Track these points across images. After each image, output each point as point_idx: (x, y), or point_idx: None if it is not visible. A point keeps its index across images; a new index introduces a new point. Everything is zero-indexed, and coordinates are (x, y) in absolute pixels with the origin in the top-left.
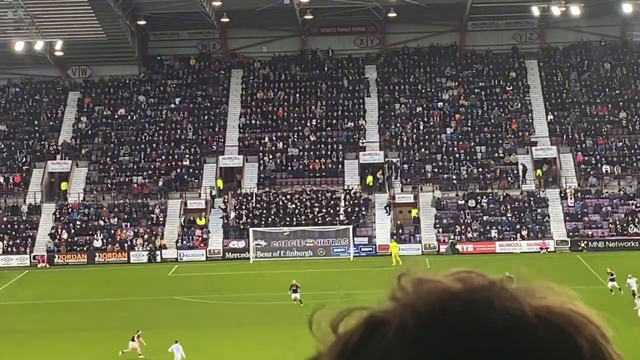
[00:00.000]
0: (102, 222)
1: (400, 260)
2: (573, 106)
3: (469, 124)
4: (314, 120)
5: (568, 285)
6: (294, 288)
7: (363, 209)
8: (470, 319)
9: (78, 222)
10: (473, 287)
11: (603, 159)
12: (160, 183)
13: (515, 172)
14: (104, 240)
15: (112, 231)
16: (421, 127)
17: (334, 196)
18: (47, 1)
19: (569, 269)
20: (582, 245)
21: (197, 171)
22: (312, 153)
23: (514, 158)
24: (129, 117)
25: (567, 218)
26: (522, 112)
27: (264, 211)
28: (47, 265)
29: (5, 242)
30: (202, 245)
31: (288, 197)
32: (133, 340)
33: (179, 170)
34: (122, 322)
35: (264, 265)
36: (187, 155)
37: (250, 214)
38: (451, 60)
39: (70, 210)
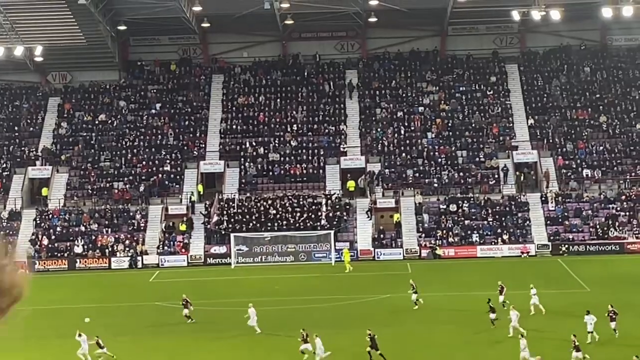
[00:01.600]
0: (82, 228)
1: (351, 267)
2: (553, 110)
3: (450, 129)
4: (295, 126)
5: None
6: (184, 303)
7: (344, 214)
8: None
9: (59, 228)
10: None
11: (583, 163)
12: (141, 188)
13: (497, 176)
14: (85, 246)
15: (93, 237)
16: (402, 132)
17: (315, 201)
18: (27, 6)
19: (550, 273)
20: (563, 249)
21: (178, 177)
22: (293, 158)
23: (495, 162)
24: (110, 123)
25: (548, 222)
26: (503, 117)
27: (246, 216)
28: (27, 272)
29: None
30: (183, 250)
31: (269, 202)
32: (100, 347)
33: (159, 175)
34: (104, 328)
35: (246, 271)
36: (168, 161)
37: (232, 219)
38: (432, 64)
39: (50, 216)
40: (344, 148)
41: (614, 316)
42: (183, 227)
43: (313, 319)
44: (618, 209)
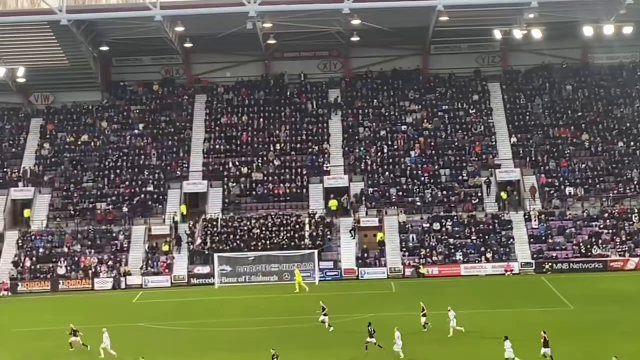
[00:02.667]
0: (65, 249)
1: (305, 287)
2: (536, 128)
3: (433, 147)
4: (278, 145)
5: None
6: (73, 332)
7: (328, 233)
8: None
9: (41, 250)
10: None
11: (566, 181)
12: (124, 209)
13: (480, 194)
14: (68, 267)
15: (76, 258)
16: (385, 151)
17: (298, 220)
18: (9, 28)
19: (533, 291)
20: (547, 267)
21: (161, 197)
22: (276, 177)
23: (477, 181)
24: (92, 143)
25: (532, 240)
26: (486, 135)
27: (229, 236)
28: (10, 294)
29: None
30: (166, 271)
31: (253, 221)
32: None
33: (142, 196)
34: (90, 349)
35: (230, 291)
36: (151, 181)
37: (215, 239)
38: (414, 83)
39: (33, 237)
40: (327, 167)
41: (546, 343)
42: (166, 247)
43: (297, 338)
44: (601, 226)
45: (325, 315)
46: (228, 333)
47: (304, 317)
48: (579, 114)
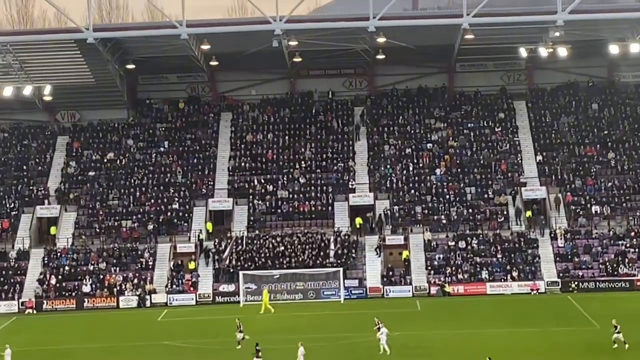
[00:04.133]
0: (91, 267)
1: (270, 309)
2: (562, 147)
3: (459, 165)
4: (303, 163)
5: (560, 327)
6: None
7: (353, 251)
8: None
9: (67, 267)
10: None
11: (592, 200)
12: (150, 227)
13: (505, 212)
14: (93, 285)
15: (101, 276)
16: (411, 169)
17: (324, 238)
18: (36, 46)
19: (560, 310)
20: (573, 286)
21: (186, 214)
22: (301, 195)
23: (503, 199)
24: (118, 161)
25: (558, 259)
26: (511, 153)
27: (254, 254)
28: (35, 312)
29: None
30: (191, 289)
31: (278, 239)
32: None
33: (168, 213)
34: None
35: (255, 309)
36: (176, 199)
37: (241, 257)
38: (440, 101)
39: (59, 255)
40: (352, 185)
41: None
42: (192, 265)
43: (321, 357)
44: (627, 245)
45: (241, 332)
46: (253, 352)
47: (327, 336)
48: (605, 132)
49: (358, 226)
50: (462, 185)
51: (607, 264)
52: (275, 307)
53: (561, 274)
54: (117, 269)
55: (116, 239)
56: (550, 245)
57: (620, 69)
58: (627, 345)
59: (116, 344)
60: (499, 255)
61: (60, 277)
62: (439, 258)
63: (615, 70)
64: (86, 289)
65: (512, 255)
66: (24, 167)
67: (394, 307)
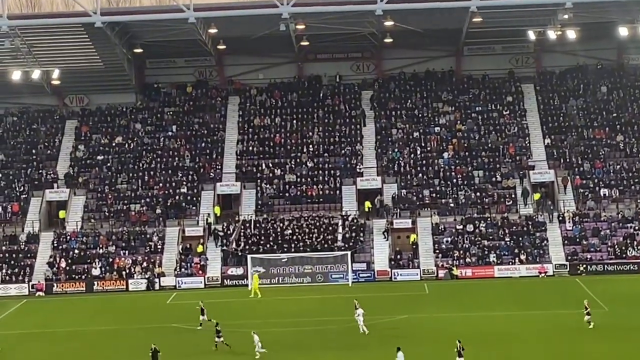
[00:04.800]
0: (100, 250)
1: (259, 294)
2: (570, 130)
3: (466, 149)
4: (311, 147)
5: (568, 309)
6: None
7: (361, 234)
8: None
9: (76, 251)
10: None
11: (601, 182)
12: (158, 210)
13: (513, 196)
14: (102, 269)
15: (111, 259)
16: (418, 152)
17: (331, 222)
18: (44, 30)
19: (568, 293)
20: (581, 269)
21: (194, 198)
22: (309, 179)
23: (511, 182)
24: (126, 145)
25: (566, 242)
26: (519, 136)
27: (262, 238)
28: (45, 294)
29: (3, 271)
30: (200, 272)
31: (286, 223)
32: None
33: (176, 197)
34: (121, 350)
35: (263, 292)
36: (184, 183)
37: (249, 241)
38: (448, 85)
39: (68, 238)
40: (360, 169)
41: (461, 353)
42: (200, 249)
43: (329, 339)
44: (636, 228)
45: (203, 315)
46: (261, 334)
47: (335, 319)
48: (614, 115)
49: (367, 210)
50: (470, 168)
51: (616, 246)
52: (283, 290)
53: (569, 257)
54: (126, 252)
55: (125, 223)
56: (559, 228)
57: (629, 51)
58: (591, 325)
59: (125, 326)
60: (507, 239)
61: (69, 260)
62: (447, 241)
63: (624, 53)
64: (96, 272)
65: (520, 238)
66: (33, 151)
67: (402, 290)
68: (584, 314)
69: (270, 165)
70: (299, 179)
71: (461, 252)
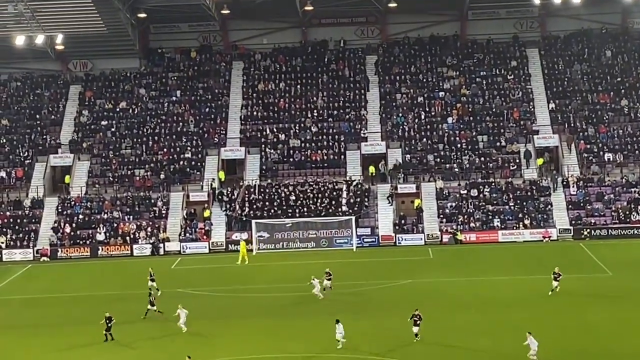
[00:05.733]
0: (104, 216)
1: (246, 260)
2: (574, 94)
3: (471, 114)
4: (315, 112)
5: (572, 274)
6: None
7: (365, 199)
8: None
9: (81, 216)
10: None
11: (605, 147)
12: (162, 176)
13: (517, 160)
14: (107, 234)
15: (115, 224)
16: (423, 117)
17: (336, 187)
18: None
19: (572, 258)
20: (585, 233)
21: (199, 163)
22: (313, 144)
23: (515, 147)
24: (131, 110)
25: (570, 206)
26: (524, 101)
27: (267, 203)
28: (50, 260)
29: (8, 236)
30: (204, 237)
31: (290, 188)
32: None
33: (181, 162)
34: (126, 315)
35: (267, 257)
36: (188, 148)
37: (253, 206)
38: (452, 49)
39: (72, 203)
40: (364, 134)
41: (418, 321)
42: (207, 213)
43: (334, 304)
44: None
45: (152, 280)
46: (265, 299)
47: (341, 284)
48: (618, 79)
49: (371, 174)
50: (474, 133)
51: (620, 211)
52: (288, 255)
53: (573, 222)
54: (131, 217)
55: (129, 188)
56: (563, 193)
57: (633, 15)
58: (551, 293)
59: (130, 291)
60: (511, 203)
61: (74, 225)
62: (451, 206)
63: (628, 17)
64: (100, 237)
65: (524, 203)
66: (37, 116)
67: (407, 255)
68: (552, 279)
69: (275, 130)
70: (303, 144)
71: (465, 217)
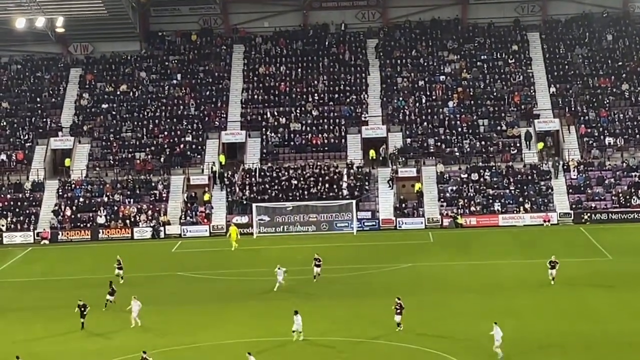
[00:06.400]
0: (105, 199)
1: (236, 245)
2: (575, 78)
3: (471, 97)
4: (316, 95)
5: (572, 258)
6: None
7: (366, 183)
8: None
9: (81, 199)
10: None
11: (606, 131)
12: (163, 159)
13: (518, 144)
14: (108, 217)
15: (116, 207)
16: (423, 101)
17: (336, 171)
18: None
19: (572, 242)
20: (585, 217)
21: (199, 147)
22: (314, 128)
23: (516, 131)
24: (131, 94)
25: (570, 190)
26: (525, 85)
27: (267, 186)
28: (50, 242)
29: (9, 219)
30: (205, 221)
31: (291, 172)
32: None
33: (181, 146)
34: (127, 298)
35: (268, 241)
36: (189, 131)
37: (254, 189)
38: (453, 33)
39: (73, 186)
40: (365, 118)
41: (399, 310)
42: (207, 197)
43: (335, 288)
44: None
45: (120, 269)
46: (265, 282)
47: (340, 267)
48: (619, 63)
49: (372, 158)
50: (475, 117)
51: (620, 195)
52: (288, 238)
53: (574, 206)
54: (131, 200)
55: (130, 171)
56: (563, 177)
57: None
58: (553, 282)
59: (130, 274)
60: (512, 187)
61: (74, 208)
62: (452, 190)
63: (629, 1)
64: (101, 220)
65: (525, 187)
66: (38, 99)
67: (407, 239)
68: (548, 268)
69: (275, 113)
70: (304, 128)
71: (466, 200)
